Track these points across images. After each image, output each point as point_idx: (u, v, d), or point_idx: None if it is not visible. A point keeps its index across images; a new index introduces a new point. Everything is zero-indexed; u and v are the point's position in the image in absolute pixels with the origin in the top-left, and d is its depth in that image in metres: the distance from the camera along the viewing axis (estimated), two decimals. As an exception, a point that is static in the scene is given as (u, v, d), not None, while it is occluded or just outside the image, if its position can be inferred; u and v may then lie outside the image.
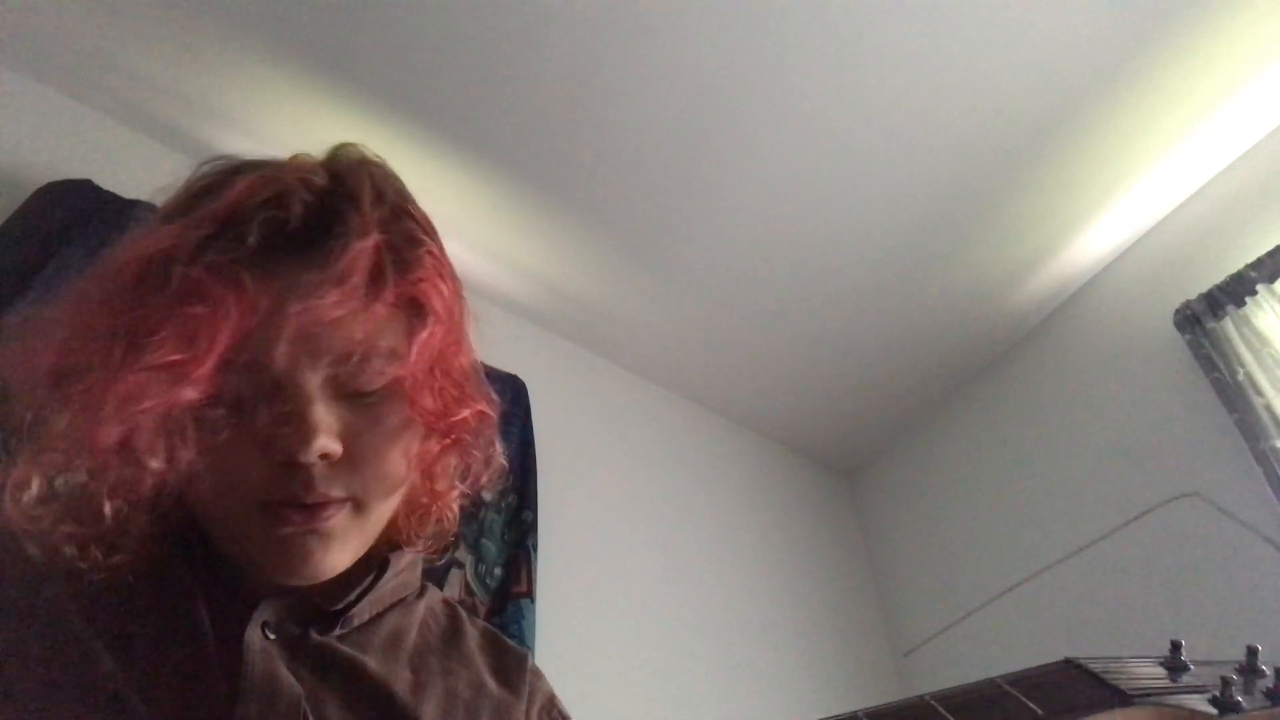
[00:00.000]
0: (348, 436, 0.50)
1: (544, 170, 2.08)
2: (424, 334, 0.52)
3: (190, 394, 0.45)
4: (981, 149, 2.12)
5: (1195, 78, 2.00)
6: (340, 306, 0.47)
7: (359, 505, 0.52)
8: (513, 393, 2.16)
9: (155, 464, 0.46)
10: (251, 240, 0.48)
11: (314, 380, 0.49)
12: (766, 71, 1.90)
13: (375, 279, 0.50)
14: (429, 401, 0.53)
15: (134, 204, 1.63)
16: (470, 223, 2.20)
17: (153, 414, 0.45)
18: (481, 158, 2.04)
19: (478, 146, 2.01)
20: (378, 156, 0.59)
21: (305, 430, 0.47)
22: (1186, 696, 0.44)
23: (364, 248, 0.49)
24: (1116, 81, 1.99)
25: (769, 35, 1.82)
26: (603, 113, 1.96)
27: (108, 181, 1.68)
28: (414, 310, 0.53)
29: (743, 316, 2.55)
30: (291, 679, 0.49)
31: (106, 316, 0.47)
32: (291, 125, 1.92)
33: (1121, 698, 0.42)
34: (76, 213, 1.60)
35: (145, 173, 1.80)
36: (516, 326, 2.48)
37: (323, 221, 0.50)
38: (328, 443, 0.48)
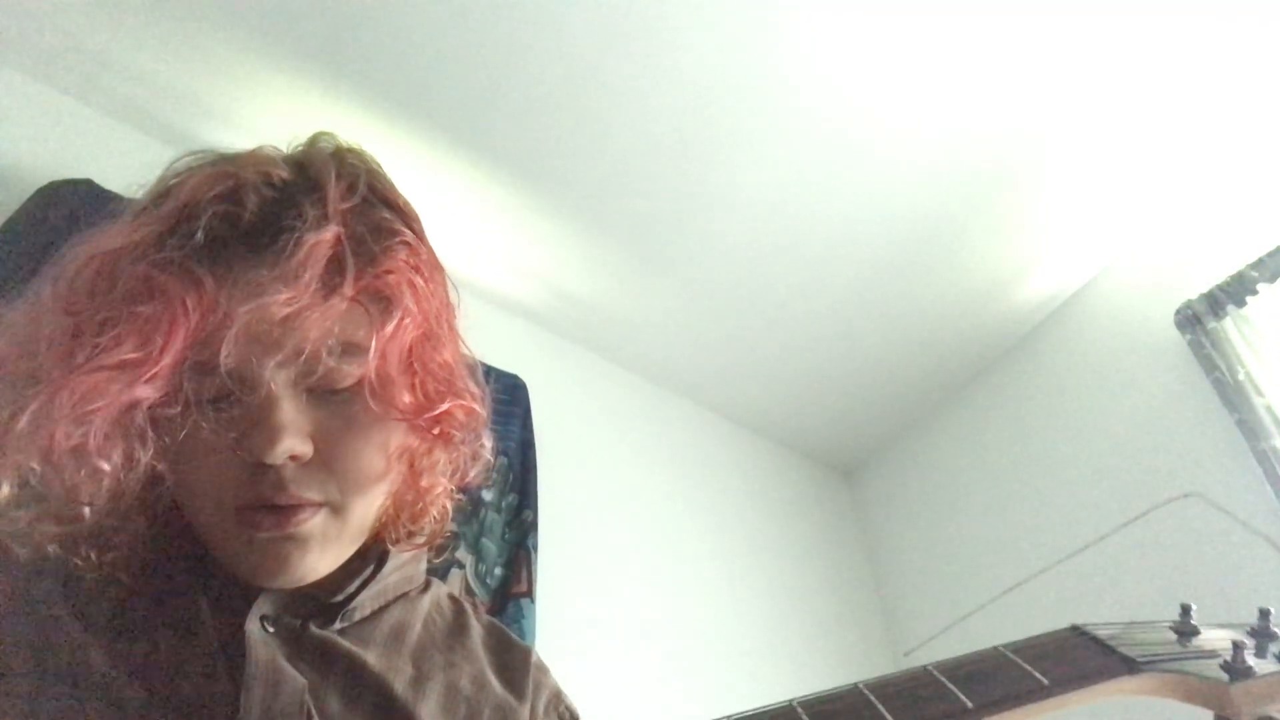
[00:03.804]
0: (320, 436, 0.49)
1: (545, 170, 2.08)
2: (389, 327, 0.50)
3: (145, 393, 0.44)
4: (982, 150, 2.12)
5: (1196, 78, 2.00)
6: (290, 304, 0.45)
7: (336, 508, 0.51)
8: (513, 393, 2.16)
9: (107, 466, 0.45)
10: (199, 237, 0.47)
11: (281, 379, 0.47)
12: (767, 73, 1.90)
13: (333, 273, 0.48)
14: (406, 396, 0.51)
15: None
16: (471, 222, 2.19)
17: (106, 414, 0.44)
18: (483, 158, 2.04)
19: (479, 147, 2.01)
20: (354, 144, 0.58)
21: (271, 431, 0.46)
22: (1197, 662, 0.43)
23: (320, 240, 0.47)
24: (1117, 84, 1.99)
25: (770, 36, 1.83)
26: (604, 113, 1.96)
27: (108, 181, 1.67)
28: (380, 303, 0.50)
29: (743, 316, 2.55)
30: (293, 670, 0.49)
31: (65, 317, 0.46)
32: (293, 126, 1.91)
33: (1129, 665, 0.41)
34: (76, 213, 1.60)
35: (145, 173, 1.78)
36: (516, 326, 2.48)
37: (279, 215, 0.49)
38: (295, 443, 0.47)
